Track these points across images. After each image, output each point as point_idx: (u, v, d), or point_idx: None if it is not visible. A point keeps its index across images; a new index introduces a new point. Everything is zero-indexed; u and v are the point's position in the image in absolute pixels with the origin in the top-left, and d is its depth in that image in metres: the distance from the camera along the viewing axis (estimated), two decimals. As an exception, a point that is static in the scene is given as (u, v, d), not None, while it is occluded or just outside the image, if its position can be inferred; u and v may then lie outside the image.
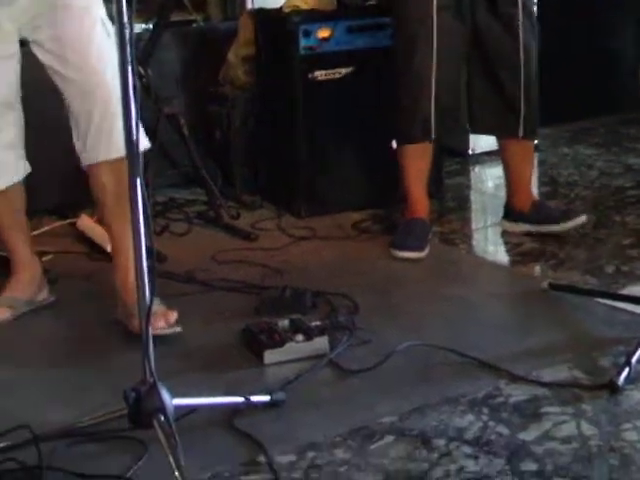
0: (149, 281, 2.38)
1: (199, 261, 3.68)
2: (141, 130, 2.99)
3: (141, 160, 2.37)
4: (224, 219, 4.09)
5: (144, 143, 3.06)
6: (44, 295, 3.34)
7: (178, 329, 3.04)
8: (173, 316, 3.04)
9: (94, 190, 3.16)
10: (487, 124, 3.83)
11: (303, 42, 3.97)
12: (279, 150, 4.25)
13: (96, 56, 2.99)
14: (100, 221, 3.39)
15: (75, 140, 3.09)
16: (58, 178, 4.05)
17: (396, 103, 3.73)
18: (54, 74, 3.03)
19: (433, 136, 3.69)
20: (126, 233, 2.98)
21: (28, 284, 3.29)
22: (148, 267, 2.38)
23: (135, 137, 2.30)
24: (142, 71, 3.99)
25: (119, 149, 2.94)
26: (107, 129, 3.01)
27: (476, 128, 3.93)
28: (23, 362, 2.99)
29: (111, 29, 3.02)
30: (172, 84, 4.30)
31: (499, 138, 3.90)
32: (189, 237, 3.99)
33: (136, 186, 2.31)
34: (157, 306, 2.96)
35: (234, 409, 2.64)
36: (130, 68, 2.26)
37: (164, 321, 3.00)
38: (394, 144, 3.77)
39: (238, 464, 2.43)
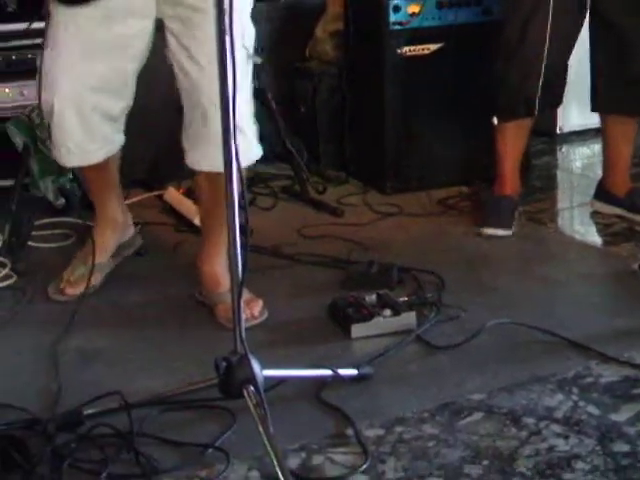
0: (242, 259, 2.38)
1: (285, 235, 3.69)
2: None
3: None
4: (310, 194, 4.09)
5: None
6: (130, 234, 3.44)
7: (263, 318, 3.04)
8: (257, 307, 3.04)
9: (195, 186, 3.20)
10: (611, 102, 3.75)
11: (393, 17, 3.95)
12: (365, 126, 4.23)
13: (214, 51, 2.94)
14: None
15: (183, 136, 3.03)
16: (146, 151, 4.08)
17: (500, 81, 3.67)
18: (180, 70, 2.96)
19: (536, 111, 3.64)
20: (221, 228, 2.87)
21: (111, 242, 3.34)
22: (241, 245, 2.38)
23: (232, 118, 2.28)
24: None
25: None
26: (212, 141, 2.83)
27: (598, 106, 3.83)
28: (112, 332, 3.02)
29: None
30: (260, 58, 4.28)
31: (621, 116, 3.79)
32: (275, 211, 3.99)
33: (232, 167, 2.32)
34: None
35: (321, 382, 2.64)
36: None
37: (249, 313, 2.98)
38: (495, 120, 3.73)
39: (325, 437, 2.44)
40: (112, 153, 3.16)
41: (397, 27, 3.97)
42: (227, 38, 2.25)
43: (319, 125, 4.39)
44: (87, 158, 3.09)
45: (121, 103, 3.05)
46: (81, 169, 3.28)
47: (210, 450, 2.38)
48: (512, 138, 3.75)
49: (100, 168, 3.18)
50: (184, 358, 2.83)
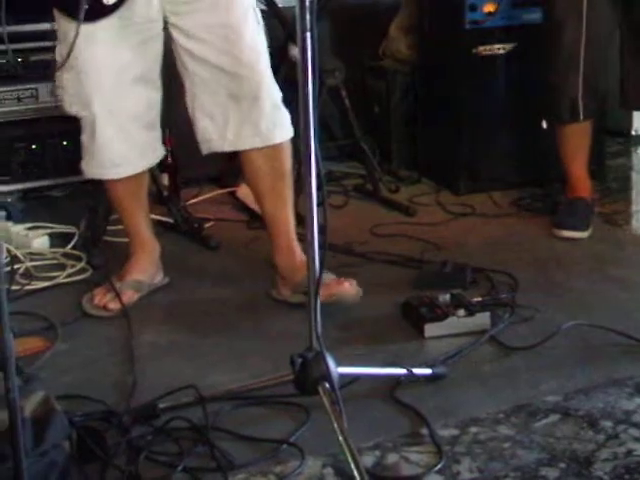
0: (319, 254, 2.41)
1: (357, 233, 3.68)
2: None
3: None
4: (382, 193, 4.09)
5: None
6: (160, 277, 3.29)
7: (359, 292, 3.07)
8: (347, 282, 3.06)
9: (246, 173, 3.18)
10: (636, 100, 3.73)
11: (469, 16, 3.93)
12: (438, 125, 4.22)
13: (249, 45, 2.98)
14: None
15: (204, 128, 3.06)
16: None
17: (545, 83, 3.66)
18: (192, 61, 2.99)
19: (581, 117, 3.62)
20: (283, 215, 3.14)
21: (149, 266, 3.25)
22: (319, 243, 2.40)
23: (312, 118, 2.29)
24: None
25: (267, 137, 3.04)
26: (255, 118, 3.01)
27: (627, 104, 3.82)
28: (186, 327, 3.04)
29: (260, 17, 3.04)
30: (333, 56, 4.29)
31: None
32: (347, 209, 3.99)
33: (310, 162, 2.32)
34: (327, 276, 3.01)
35: (395, 381, 2.63)
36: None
37: (348, 284, 3.03)
38: (544, 124, 3.71)
39: (400, 435, 2.43)
40: (155, 162, 3.20)
41: (473, 26, 3.95)
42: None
43: (392, 124, 4.38)
44: (131, 168, 3.10)
45: (153, 110, 3.09)
46: (115, 189, 3.17)
47: (284, 446, 2.38)
48: (569, 139, 3.72)
49: (137, 184, 3.17)
50: (257, 353, 2.84)
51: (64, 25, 2.92)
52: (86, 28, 2.84)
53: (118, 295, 3.11)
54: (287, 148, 3.10)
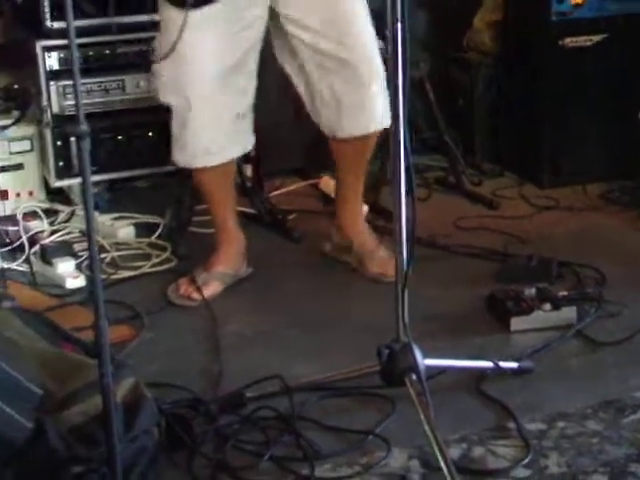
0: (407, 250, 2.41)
1: (440, 226, 3.66)
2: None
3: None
4: (465, 185, 4.06)
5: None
6: (244, 268, 3.30)
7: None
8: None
9: (334, 152, 3.26)
10: None
11: (556, 7, 3.88)
12: (522, 118, 4.17)
13: (361, 33, 3.05)
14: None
15: (317, 111, 3.16)
16: (301, 140, 4.11)
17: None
18: (306, 48, 3.06)
19: None
20: (356, 185, 3.31)
21: (235, 257, 3.27)
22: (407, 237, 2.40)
23: (402, 107, 2.28)
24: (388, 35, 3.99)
25: (380, 123, 3.12)
26: (369, 105, 3.09)
27: None
28: (270, 318, 3.05)
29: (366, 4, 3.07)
30: (418, 48, 4.28)
31: None
32: (429, 202, 3.97)
33: (400, 157, 2.32)
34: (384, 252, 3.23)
35: (481, 374, 2.62)
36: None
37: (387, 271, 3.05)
38: None
39: (486, 429, 2.42)
40: (245, 151, 3.23)
41: (560, 18, 3.90)
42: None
43: (475, 117, 4.35)
44: (224, 155, 3.12)
45: (246, 99, 3.11)
46: (204, 178, 3.19)
47: (370, 437, 2.38)
48: None
49: (225, 174, 3.20)
50: (341, 345, 2.84)
51: (169, 13, 2.94)
52: (190, 15, 2.87)
53: (202, 286, 3.12)
54: None
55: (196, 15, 2.88)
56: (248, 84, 3.10)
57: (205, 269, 3.20)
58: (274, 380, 2.55)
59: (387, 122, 3.10)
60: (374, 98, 3.09)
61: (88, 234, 1.79)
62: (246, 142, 3.20)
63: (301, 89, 3.17)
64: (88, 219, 1.78)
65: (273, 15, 3.05)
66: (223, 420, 2.43)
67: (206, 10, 2.90)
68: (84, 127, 1.74)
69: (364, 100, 3.10)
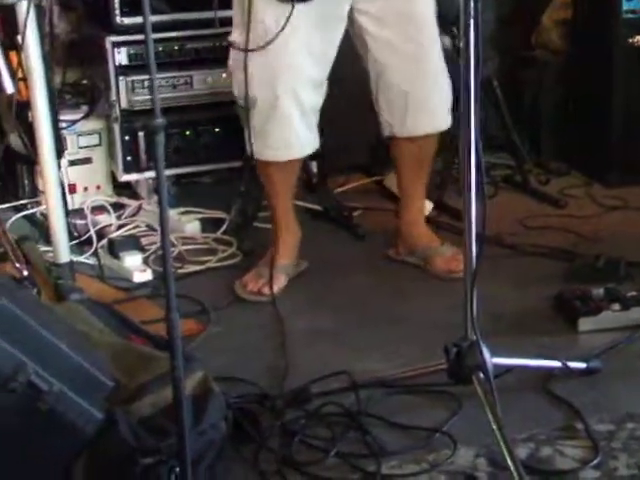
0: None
1: (507, 225, 3.64)
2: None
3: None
4: (532, 184, 4.03)
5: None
6: (301, 261, 3.32)
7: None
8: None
9: (395, 152, 3.29)
10: None
11: (626, 5, 3.84)
12: (590, 117, 4.13)
13: (432, 33, 3.09)
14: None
15: (383, 111, 3.19)
16: (366, 137, 4.10)
17: None
18: (378, 47, 3.08)
19: None
20: (418, 193, 3.34)
21: (294, 249, 3.27)
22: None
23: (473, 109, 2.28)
24: (455, 31, 3.97)
25: (443, 124, 3.18)
26: (432, 105, 3.13)
27: None
28: (336, 314, 3.04)
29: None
30: (486, 45, 4.24)
31: None
32: (495, 200, 3.94)
33: (470, 156, 2.31)
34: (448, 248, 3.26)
35: (548, 373, 2.60)
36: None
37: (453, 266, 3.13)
38: None
39: (554, 429, 2.40)
40: (317, 146, 3.20)
41: (630, 16, 3.86)
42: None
43: (542, 115, 4.31)
44: (304, 150, 3.15)
45: (322, 92, 3.12)
46: (275, 172, 3.18)
47: (437, 435, 2.37)
48: None
49: (294, 169, 3.20)
50: (407, 341, 2.84)
51: (264, 7, 2.93)
52: (283, 10, 2.89)
53: (269, 281, 3.13)
54: None
55: (289, 9, 2.90)
56: (325, 80, 3.11)
57: (267, 262, 3.21)
58: (340, 376, 2.56)
59: (449, 121, 3.18)
60: (439, 99, 3.13)
61: (161, 227, 1.81)
62: (317, 138, 3.20)
63: (373, 85, 3.17)
64: (162, 212, 1.79)
65: (351, 11, 3.07)
66: (289, 415, 2.44)
67: (301, 5, 2.91)
68: (160, 120, 1.76)
69: (429, 98, 3.12)
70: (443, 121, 3.18)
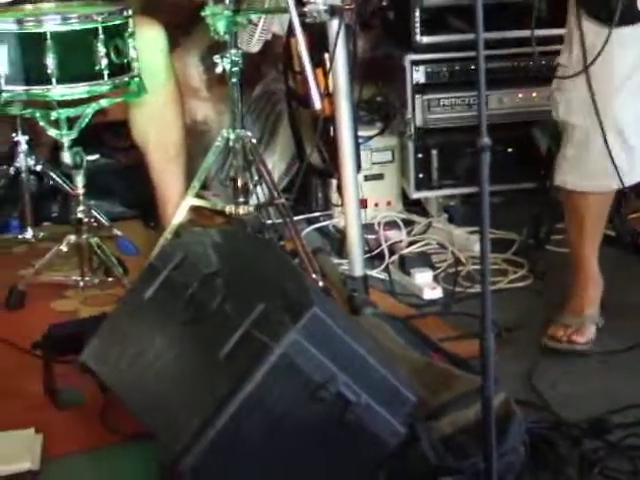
0: None
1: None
2: None
3: None
4: None
5: None
6: None
7: None
8: None
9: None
10: None
11: None
12: None
13: None
14: None
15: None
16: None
17: None
18: None
19: None
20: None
21: (597, 299, 3.03)
22: None
23: None
24: None
25: None
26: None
27: None
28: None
29: None
30: None
31: None
32: None
33: None
34: None
35: None
36: None
37: None
38: None
39: None
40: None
41: None
42: None
43: None
44: (622, 180, 2.89)
45: None
46: (585, 204, 2.95)
47: None
48: None
49: (607, 202, 3.00)
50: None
51: (587, 29, 2.83)
52: (618, 32, 2.77)
53: (578, 330, 2.96)
54: None
55: (625, 32, 2.79)
56: None
57: (572, 312, 3.03)
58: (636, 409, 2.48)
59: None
60: None
61: (482, 248, 1.83)
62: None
63: None
64: (483, 235, 1.80)
65: None
66: (588, 444, 2.38)
67: (624, 29, 2.78)
68: (486, 140, 1.76)
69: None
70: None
